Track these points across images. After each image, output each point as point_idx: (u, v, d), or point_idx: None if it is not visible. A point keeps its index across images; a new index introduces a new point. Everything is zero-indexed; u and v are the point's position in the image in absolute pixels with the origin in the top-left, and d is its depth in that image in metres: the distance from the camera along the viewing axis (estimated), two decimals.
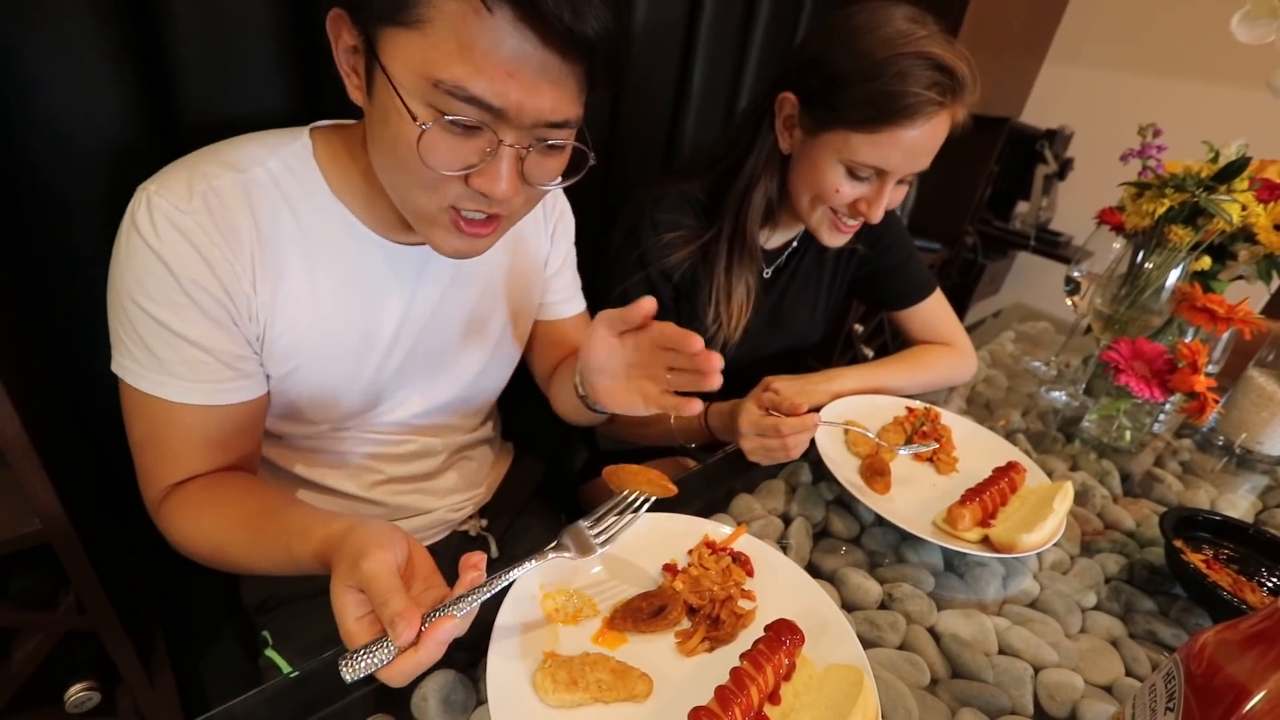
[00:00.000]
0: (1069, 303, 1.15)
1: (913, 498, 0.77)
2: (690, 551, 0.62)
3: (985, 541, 0.69)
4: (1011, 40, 1.96)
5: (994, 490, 0.73)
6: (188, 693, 0.86)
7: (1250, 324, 0.92)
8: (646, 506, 0.60)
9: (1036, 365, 1.21)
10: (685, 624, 0.55)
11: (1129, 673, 0.60)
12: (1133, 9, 2.18)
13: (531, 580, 0.54)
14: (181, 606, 0.88)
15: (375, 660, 0.39)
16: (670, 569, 0.59)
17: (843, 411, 0.88)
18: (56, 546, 0.69)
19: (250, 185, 0.57)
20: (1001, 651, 0.60)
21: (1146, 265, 0.95)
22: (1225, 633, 0.39)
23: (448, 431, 0.81)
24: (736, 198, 0.90)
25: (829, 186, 0.83)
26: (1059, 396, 1.11)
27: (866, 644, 0.56)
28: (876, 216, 0.84)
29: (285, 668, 0.70)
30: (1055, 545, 0.71)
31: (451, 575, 0.46)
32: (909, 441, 0.86)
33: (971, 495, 0.72)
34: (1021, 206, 2.37)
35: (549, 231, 0.80)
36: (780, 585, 0.59)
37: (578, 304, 0.87)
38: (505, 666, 0.47)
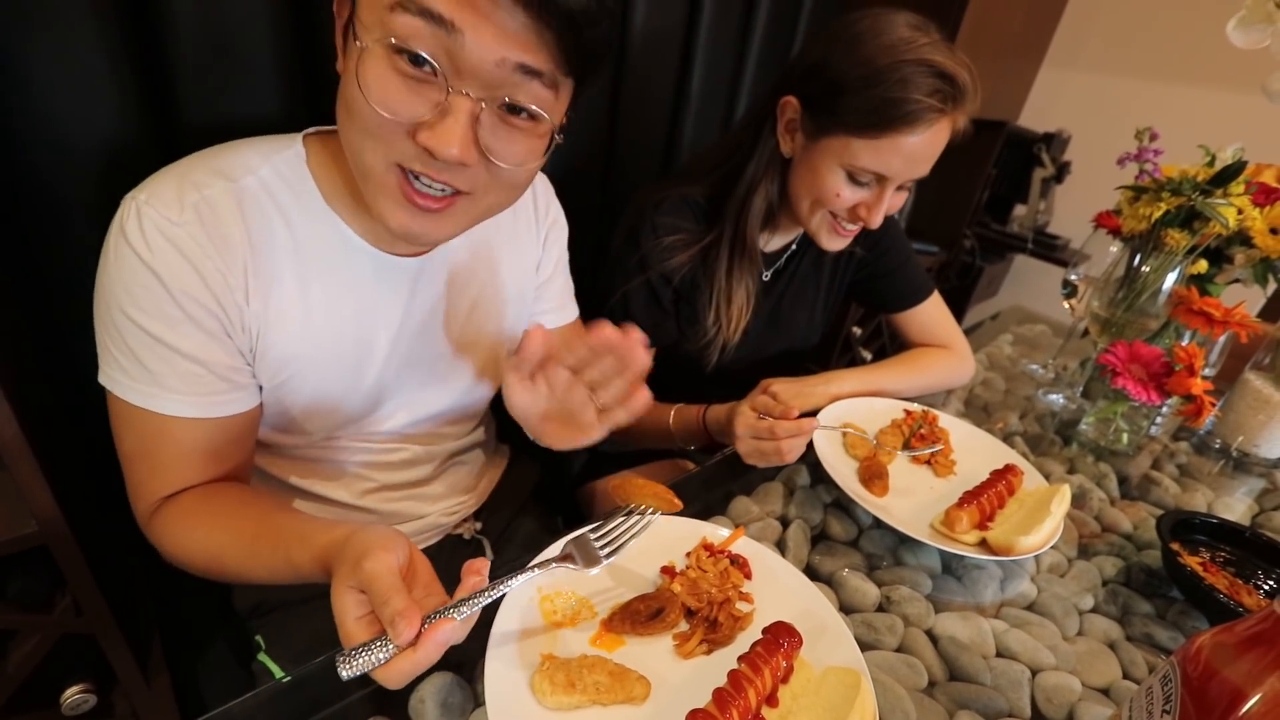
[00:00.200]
0: (1066, 306, 1.15)
1: (910, 500, 0.77)
2: (688, 554, 0.62)
3: (983, 544, 0.69)
4: (1009, 44, 1.97)
5: (992, 493, 0.73)
6: (184, 695, 0.85)
7: (1246, 327, 0.92)
8: (650, 522, 0.59)
9: (1034, 368, 1.22)
10: (683, 626, 0.55)
11: (1126, 675, 0.60)
12: (1129, 13, 2.19)
13: (530, 583, 0.54)
14: (178, 609, 0.88)
15: (373, 659, 0.39)
16: (668, 571, 0.59)
17: (841, 414, 0.88)
18: (53, 548, 0.69)
19: (242, 195, 0.56)
20: (999, 654, 0.60)
21: (1143, 269, 0.95)
22: (1221, 636, 0.39)
23: (440, 439, 0.80)
24: (737, 201, 0.90)
25: (829, 191, 0.84)
26: (1056, 399, 1.11)
27: (864, 646, 0.56)
28: (876, 222, 0.85)
29: (277, 673, 0.69)
30: (1053, 548, 0.71)
31: (445, 578, 0.46)
32: (907, 444, 0.86)
33: (969, 498, 0.72)
34: (1019, 210, 2.37)
35: (541, 238, 0.80)
36: (778, 588, 0.59)
37: (570, 312, 0.87)
38: (503, 669, 0.47)
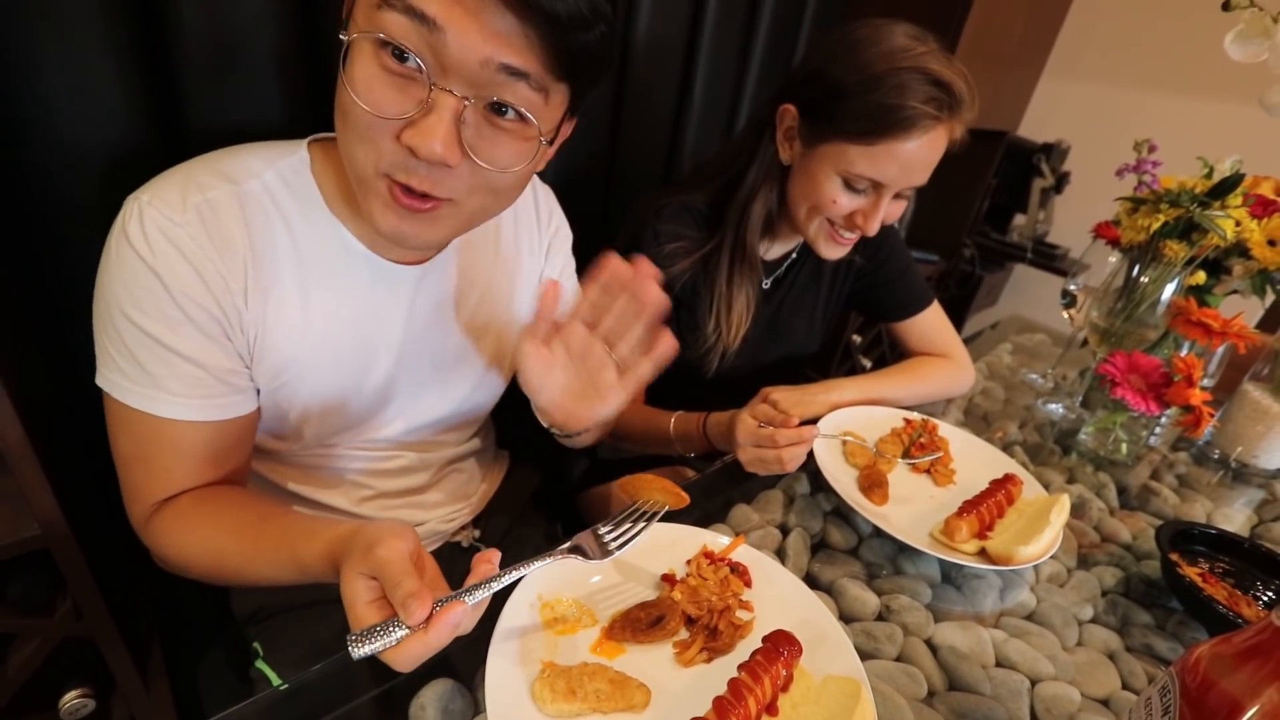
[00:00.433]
0: (1065, 315, 1.16)
1: (910, 509, 0.77)
2: (689, 562, 0.62)
3: (982, 554, 0.69)
4: (1009, 55, 1.98)
5: (991, 502, 0.73)
6: (182, 701, 0.85)
7: (1245, 338, 0.92)
8: (660, 516, 0.60)
9: (1033, 377, 1.22)
10: (683, 634, 0.55)
11: (1125, 686, 0.60)
12: (1128, 25, 2.20)
13: (530, 589, 0.54)
14: (178, 614, 0.88)
15: (384, 641, 0.39)
16: (669, 579, 0.59)
17: (841, 422, 0.88)
18: (55, 552, 0.69)
19: (245, 198, 0.56)
20: (998, 664, 0.60)
21: (1142, 279, 0.96)
22: (1219, 647, 0.39)
23: (438, 446, 0.80)
24: (737, 209, 0.91)
25: (826, 198, 0.84)
26: (1056, 409, 1.11)
27: (864, 655, 0.56)
28: (872, 229, 0.85)
29: (275, 680, 0.69)
30: (1052, 558, 0.71)
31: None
32: (907, 453, 0.86)
33: (969, 507, 0.72)
34: (1019, 219, 2.38)
35: (544, 247, 0.80)
36: (778, 596, 0.60)
37: None
38: (504, 676, 0.47)
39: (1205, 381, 1.12)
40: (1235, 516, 0.90)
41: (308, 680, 0.50)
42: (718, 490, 0.79)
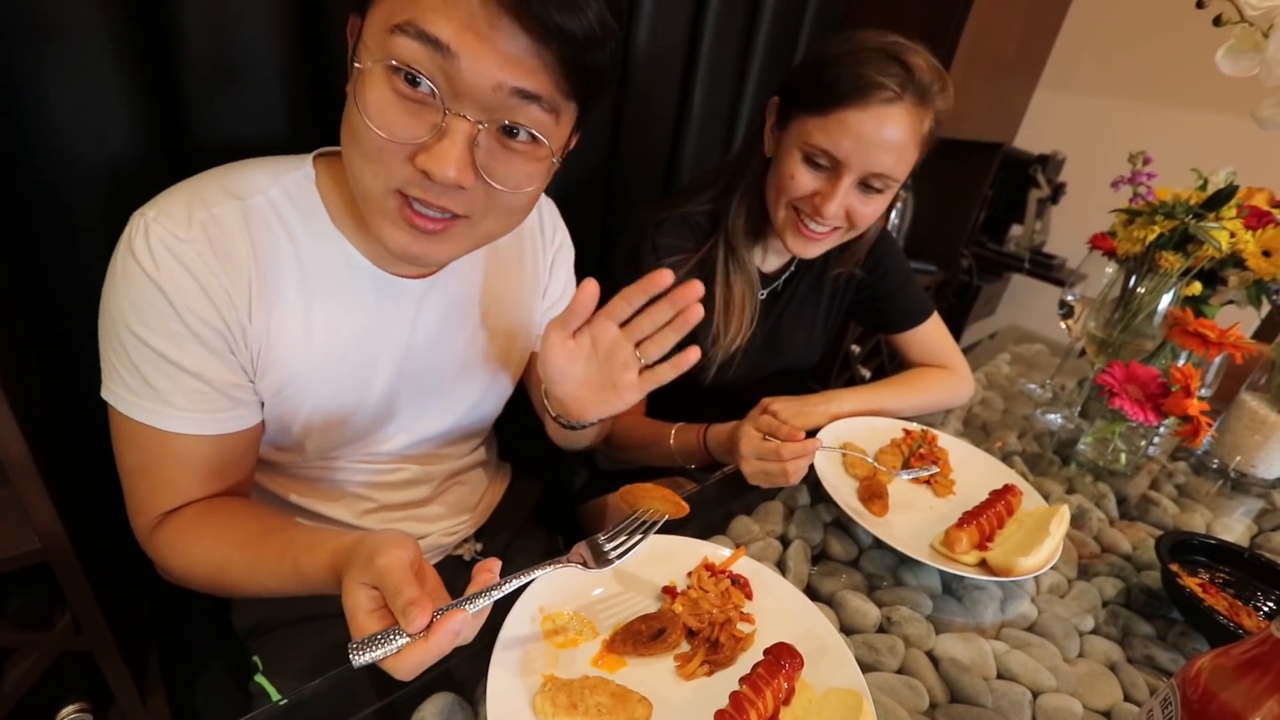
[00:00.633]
0: (1063, 326, 1.16)
1: (910, 520, 0.77)
2: (689, 574, 0.62)
3: (983, 565, 0.69)
4: (1004, 67, 2.00)
5: (991, 513, 0.73)
6: (180, 715, 0.84)
7: (1241, 348, 0.93)
8: (659, 525, 0.59)
9: (1032, 387, 1.22)
10: (684, 647, 0.55)
11: (1127, 698, 0.60)
12: (1122, 37, 2.23)
13: (532, 602, 0.54)
14: (177, 627, 0.87)
15: (385, 649, 0.39)
16: (669, 591, 0.59)
17: (840, 434, 0.89)
18: (55, 565, 0.69)
19: (250, 213, 0.56)
20: (1000, 676, 0.60)
21: (1138, 290, 0.96)
22: (1220, 659, 0.39)
23: (440, 459, 0.80)
24: (727, 205, 0.92)
25: (786, 174, 0.84)
26: (1054, 419, 1.12)
27: (865, 668, 0.56)
28: (828, 213, 0.83)
29: (274, 694, 0.69)
30: (1052, 569, 0.71)
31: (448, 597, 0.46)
32: (906, 464, 0.86)
33: (969, 518, 0.72)
34: (1016, 230, 2.40)
35: (548, 262, 0.80)
36: (779, 608, 0.60)
37: None
38: (505, 689, 0.47)
39: (1203, 391, 1.13)
40: (1235, 526, 0.91)
41: (308, 694, 0.50)
42: (718, 502, 0.79)
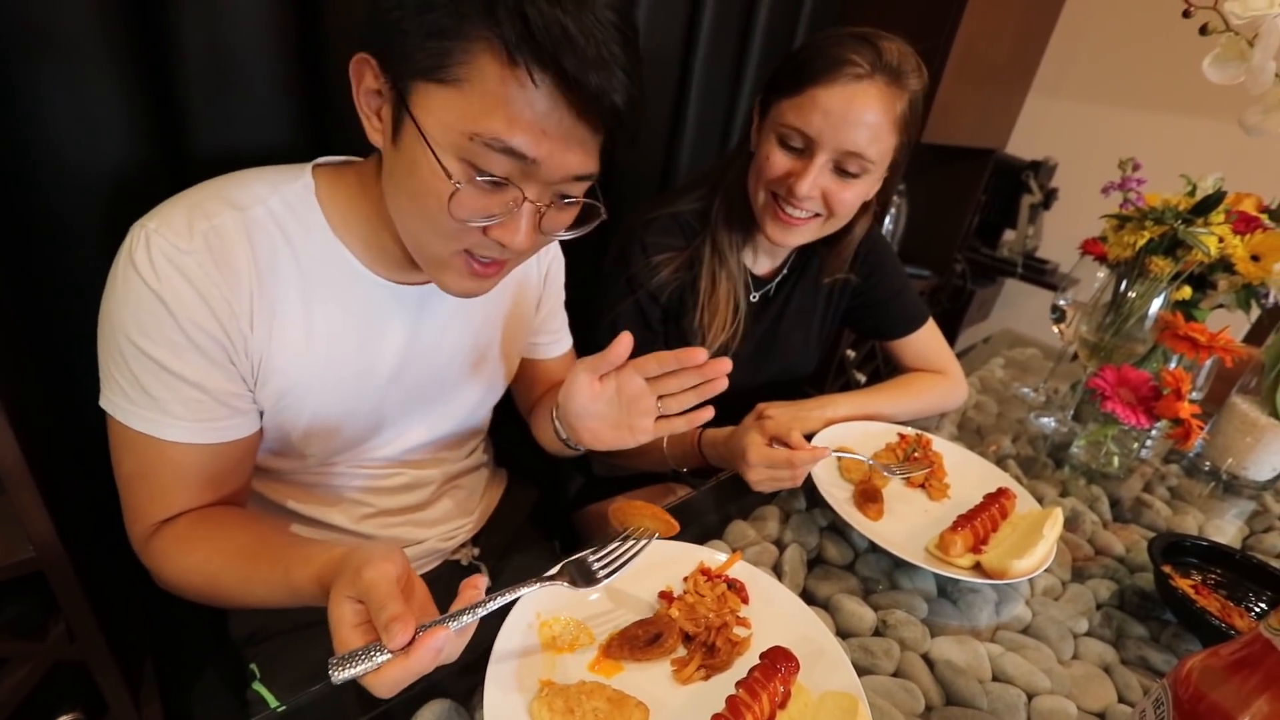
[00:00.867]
0: (1055, 330, 1.17)
1: (905, 524, 0.78)
2: (686, 578, 0.62)
3: (977, 568, 0.70)
4: (996, 74, 2.02)
5: (985, 516, 0.74)
6: None
7: (1231, 351, 0.94)
8: (649, 543, 0.59)
9: (1025, 391, 1.23)
10: (681, 652, 0.55)
11: (1122, 699, 0.60)
12: (1112, 44, 2.25)
13: (528, 608, 0.54)
14: (171, 636, 0.87)
15: (365, 665, 0.39)
16: (666, 596, 0.60)
17: (835, 438, 0.89)
18: (49, 574, 0.69)
19: (250, 224, 0.57)
20: (995, 678, 0.61)
21: (1129, 295, 0.97)
22: (1210, 659, 0.39)
23: (437, 463, 0.81)
24: (713, 202, 0.93)
25: (762, 156, 0.85)
26: (1048, 422, 1.12)
27: (861, 671, 0.56)
28: (800, 190, 0.82)
29: (272, 701, 0.69)
30: (1047, 571, 0.72)
31: (443, 605, 0.46)
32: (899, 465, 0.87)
33: (963, 521, 0.73)
34: (1008, 235, 2.42)
35: (542, 274, 0.82)
36: (775, 612, 0.60)
37: (564, 344, 0.90)
38: (502, 695, 0.47)
39: (1194, 394, 1.14)
40: (1227, 528, 0.91)
41: (306, 701, 0.50)
42: (714, 507, 0.79)
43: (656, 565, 0.62)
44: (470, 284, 0.60)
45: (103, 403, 0.56)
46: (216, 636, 0.79)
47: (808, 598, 0.66)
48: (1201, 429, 0.88)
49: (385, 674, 0.39)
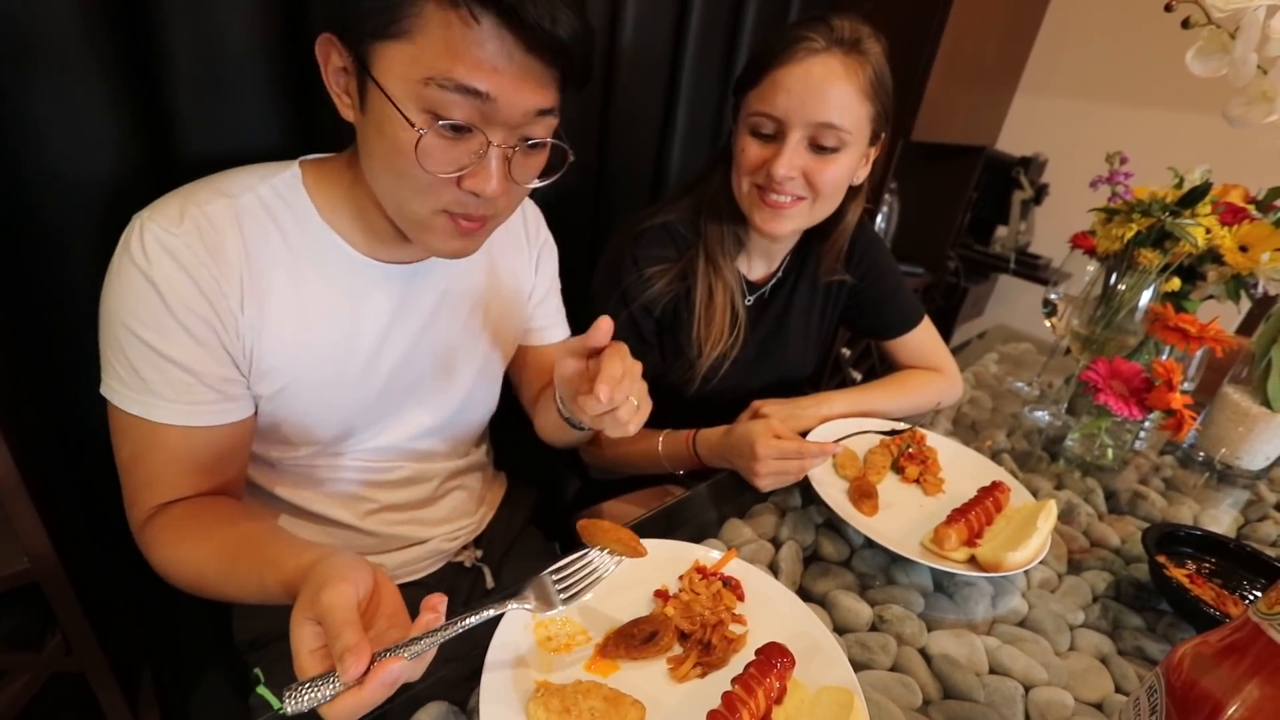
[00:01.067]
0: (1048, 324, 1.18)
1: (901, 519, 0.78)
2: (681, 577, 0.62)
3: (972, 561, 0.70)
4: (984, 72, 2.03)
5: (979, 510, 0.74)
6: None
7: (1221, 342, 0.94)
8: (615, 568, 0.56)
9: (1019, 386, 1.24)
10: (677, 649, 0.55)
11: (1119, 689, 0.60)
12: (1097, 41, 2.27)
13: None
14: (169, 645, 0.87)
15: (319, 695, 0.39)
16: (661, 594, 0.60)
17: (830, 434, 0.89)
18: (45, 585, 0.69)
19: (240, 210, 0.59)
20: (992, 671, 0.61)
21: (1119, 287, 0.98)
22: (1201, 646, 0.40)
23: (439, 457, 0.81)
24: (702, 211, 0.93)
25: (739, 150, 0.86)
26: (1042, 416, 1.13)
27: (858, 666, 0.57)
28: (779, 171, 0.82)
29: (276, 704, 0.68)
30: (1042, 563, 0.72)
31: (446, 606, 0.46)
32: (896, 464, 0.87)
33: (957, 515, 0.73)
34: (1000, 231, 2.43)
35: (533, 259, 0.83)
36: (771, 609, 0.60)
37: (562, 330, 0.89)
38: (498, 696, 0.47)
39: (1185, 385, 1.14)
40: (1222, 518, 0.92)
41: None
42: (710, 505, 0.79)
43: (652, 564, 0.62)
44: (456, 243, 0.61)
45: (102, 389, 0.57)
46: (218, 642, 0.78)
47: (804, 594, 0.66)
48: (1194, 420, 0.88)
49: (339, 705, 0.39)
